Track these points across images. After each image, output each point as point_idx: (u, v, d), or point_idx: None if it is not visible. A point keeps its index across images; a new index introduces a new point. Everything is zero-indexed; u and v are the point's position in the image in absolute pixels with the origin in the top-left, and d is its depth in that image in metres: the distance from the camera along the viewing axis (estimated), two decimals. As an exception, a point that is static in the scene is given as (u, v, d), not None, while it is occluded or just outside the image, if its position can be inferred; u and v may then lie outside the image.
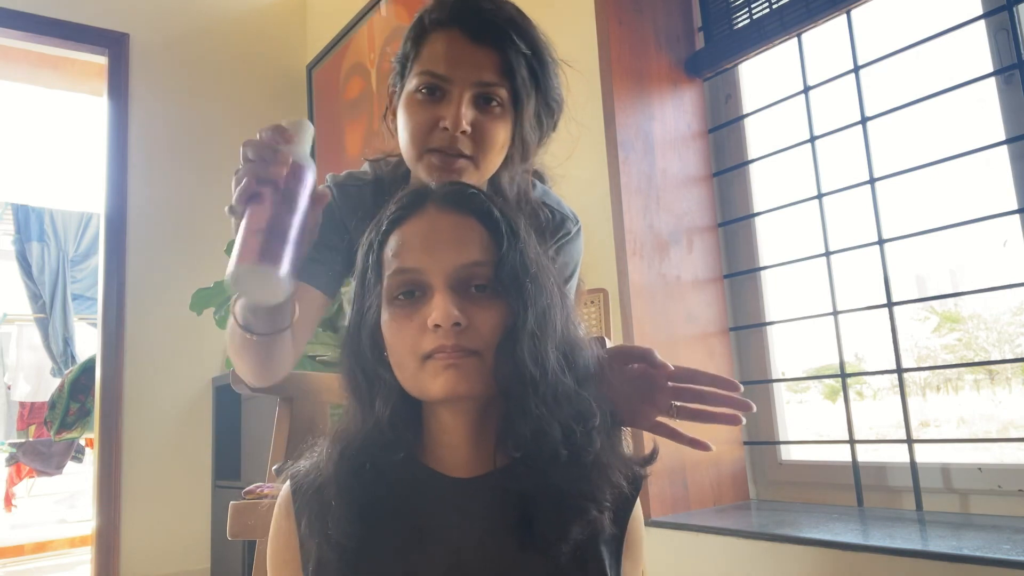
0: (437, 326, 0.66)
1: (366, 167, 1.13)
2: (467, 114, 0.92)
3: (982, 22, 1.47)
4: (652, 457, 0.78)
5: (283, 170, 0.72)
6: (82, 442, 4.44)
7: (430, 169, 0.94)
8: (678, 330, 1.80)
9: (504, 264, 0.69)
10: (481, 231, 0.70)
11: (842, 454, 1.65)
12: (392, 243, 0.71)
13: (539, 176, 1.14)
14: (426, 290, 0.69)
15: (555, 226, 1.09)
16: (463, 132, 0.92)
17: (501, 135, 0.95)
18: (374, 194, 1.07)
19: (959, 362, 1.65)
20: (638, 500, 0.77)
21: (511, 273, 0.69)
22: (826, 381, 1.83)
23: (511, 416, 0.70)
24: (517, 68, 0.93)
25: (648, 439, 0.88)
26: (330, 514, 0.69)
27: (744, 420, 0.83)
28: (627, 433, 0.83)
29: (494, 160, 0.98)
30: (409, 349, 0.68)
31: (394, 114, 1.02)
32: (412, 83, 0.96)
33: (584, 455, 0.70)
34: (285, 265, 0.70)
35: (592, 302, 1.64)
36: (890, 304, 1.57)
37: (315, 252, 0.97)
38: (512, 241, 0.70)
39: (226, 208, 0.73)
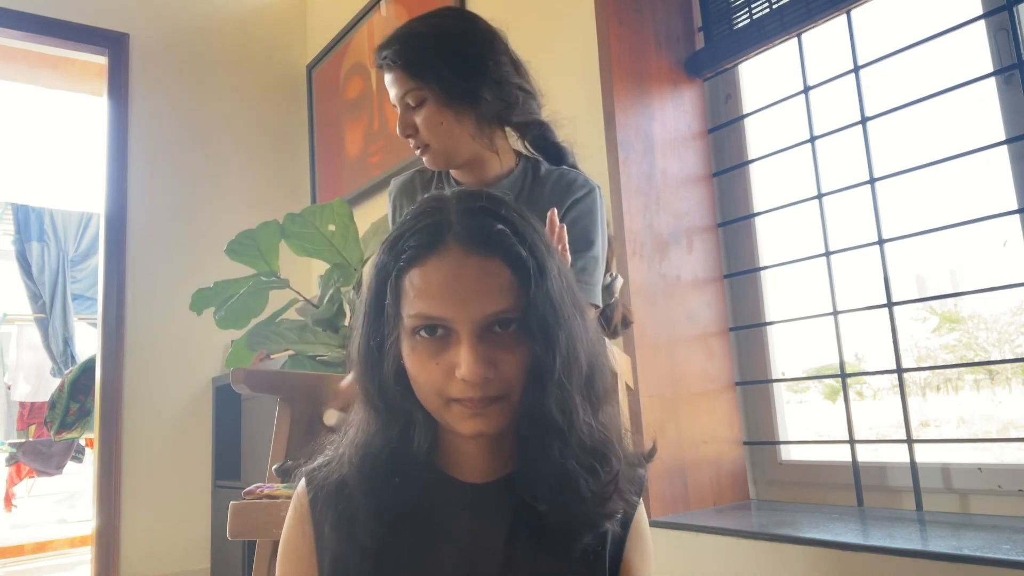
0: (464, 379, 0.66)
1: None
2: (405, 118, 1.22)
3: (982, 22, 1.47)
4: (651, 455, 0.81)
5: None
6: (82, 442, 4.44)
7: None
8: (678, 330, 1.79)
9: (532, 309, 0.66)
10: (507, 273, 0.67)
11: (842, 454, 1.65)
12: (413, 281, 0.68)
13: (565, 152, 1.32)
14: (450, 332, 0.67)
15: (566, 183, 1.24)
16: (408, 136, 1.23)
17: (434, 118, 1.20)
18: (422, 177, 1.35)
19: (959, 362, 1.64)
20: (640, 499, 0.78)
21: (539, 319, 0.67)
22: (826, 381, 1.83)
23: (531, 461, 0.70)
24: (426, 70, 1.18)
25: (648, 435, 0.90)
26: (356, 517, 0.70)
27: None
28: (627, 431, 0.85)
29: (447, 141, 1.22)
30: (435, 390, 0.68)
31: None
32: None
33: (606, 493, 0.70)
34: None
35: (592, 302, 1.64)
36: (890, 304, 1.57)
37: None
38: (540, 281, 0.67)
39: None
